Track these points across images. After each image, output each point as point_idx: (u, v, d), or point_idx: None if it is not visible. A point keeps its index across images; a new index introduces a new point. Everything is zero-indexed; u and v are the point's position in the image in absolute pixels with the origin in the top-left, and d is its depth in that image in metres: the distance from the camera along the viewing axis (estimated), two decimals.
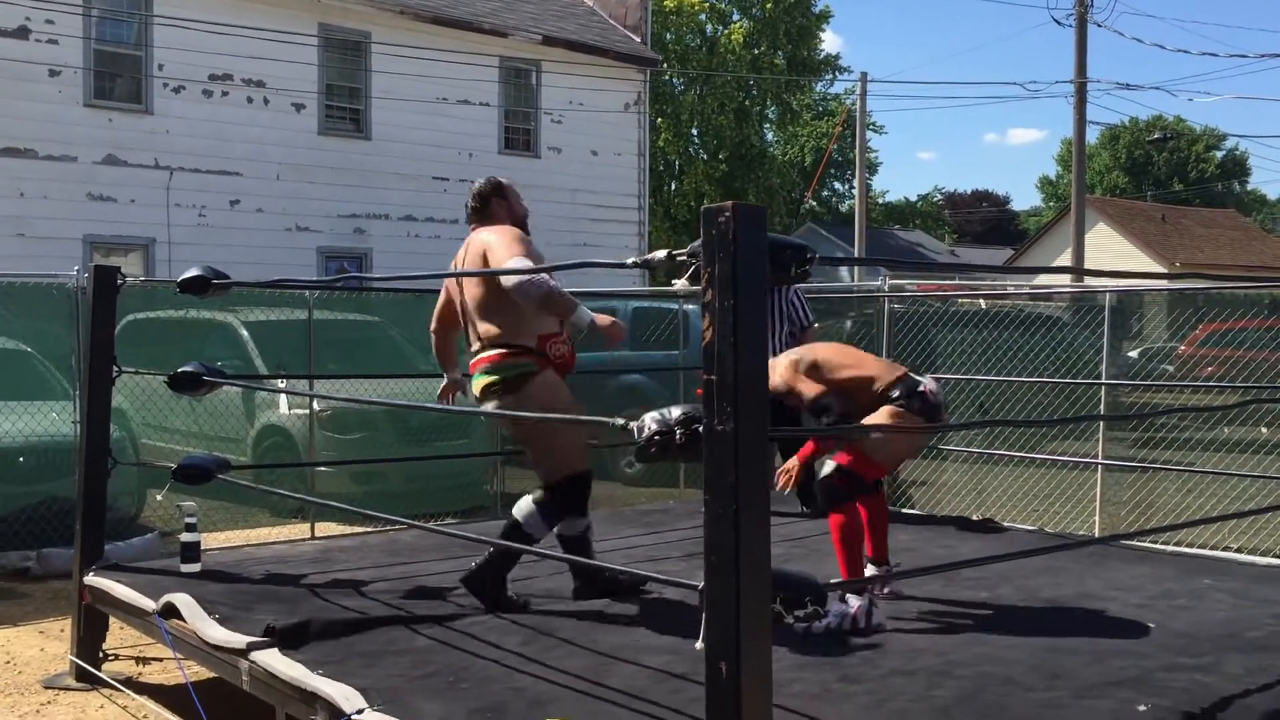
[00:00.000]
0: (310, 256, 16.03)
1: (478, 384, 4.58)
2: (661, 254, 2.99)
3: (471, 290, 4.62)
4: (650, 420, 2.88)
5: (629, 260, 3.09)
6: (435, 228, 17.21)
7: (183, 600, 4.38)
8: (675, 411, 2.87)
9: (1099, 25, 19.87)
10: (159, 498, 6.12)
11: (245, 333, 9.52)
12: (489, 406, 4.57)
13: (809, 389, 4.58)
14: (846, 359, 4.77)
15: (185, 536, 5.00)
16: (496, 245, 4.54)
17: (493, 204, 4.84)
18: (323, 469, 8.37)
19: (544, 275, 4.37)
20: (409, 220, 16.97)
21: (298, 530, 8.10)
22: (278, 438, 8.95)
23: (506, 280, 4.34)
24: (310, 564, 5.20)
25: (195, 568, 4.97)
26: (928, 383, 4.67)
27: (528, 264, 4.38)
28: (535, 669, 3.78)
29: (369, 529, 6.99)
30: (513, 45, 17.79)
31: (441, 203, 17.22)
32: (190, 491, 5.29)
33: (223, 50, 14.84)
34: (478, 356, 4.60)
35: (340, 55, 16.38)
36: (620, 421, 2.98)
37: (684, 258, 2.81)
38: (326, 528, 8.06)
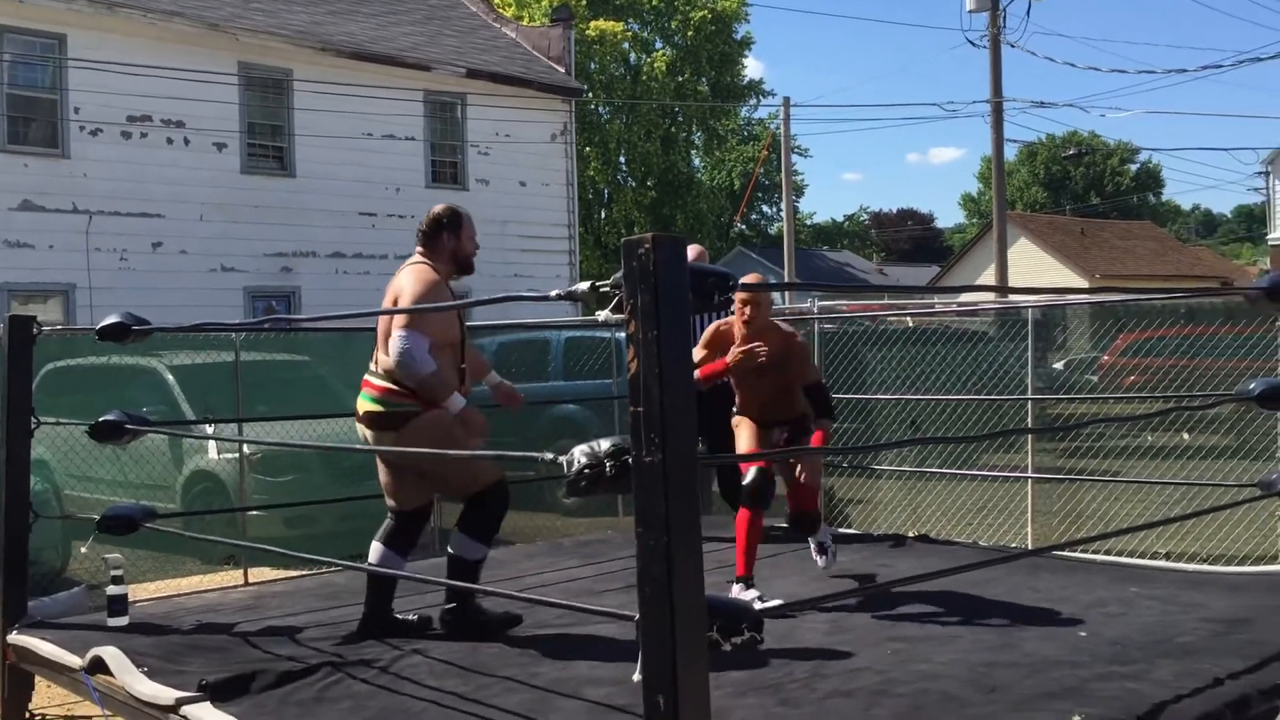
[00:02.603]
0: (237, 297, 15.81)
1: (361, 405, 4.73)
2: (584, 285, 2.99)
3: (382, 322, 4.74)
4: (579, 453, 2.88)
5: (552, 293, 3.09)
6: (364, 264, 17.07)
7: (110, 654, 4.27)
8: (604, 444, 2.86)
9: (1012, 46, 20.34)
10: (83, 550, 5.98)
11: (170, 377, 9.34)
12: (368, 434, 4.72)
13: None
14: None
15: (111, 589, 4.88)
16: (407, 290, 4.64)
17: (442, 236, 4.91)
18: (254, 513, 8.23)
19: (426, 357, 4.53)
20: (337, 257, 16.82)
21: (230, 577, 7.95)
22: (207, 483, 8.78)
23: (391, 349, 4.53)
24: (242, 612, 5.10)
25: (123, 621, 4.85)
26: None
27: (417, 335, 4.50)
28: (474, 708, 3.73)
29: (303, 572, 6.87)
30: (437, 79, 17.77)
31: (370, 238, 17.10)
32: (117, 542, 5.17)
33: (141, 91, 14.63)
34: (369, 379, 4.73)
35: (262, 93, 16.24)
36: (549, 456, 2.97)
37: (607, 289, 2.81)
38: (260, 573, 7.91)
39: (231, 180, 15.82)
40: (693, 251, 5.09)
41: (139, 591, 7.74)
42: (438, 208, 5.01)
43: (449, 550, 4.76)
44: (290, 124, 16.37)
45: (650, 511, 2.43)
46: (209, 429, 8.02)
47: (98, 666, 4.29)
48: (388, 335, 4.62)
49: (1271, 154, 30.95)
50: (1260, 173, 32.28)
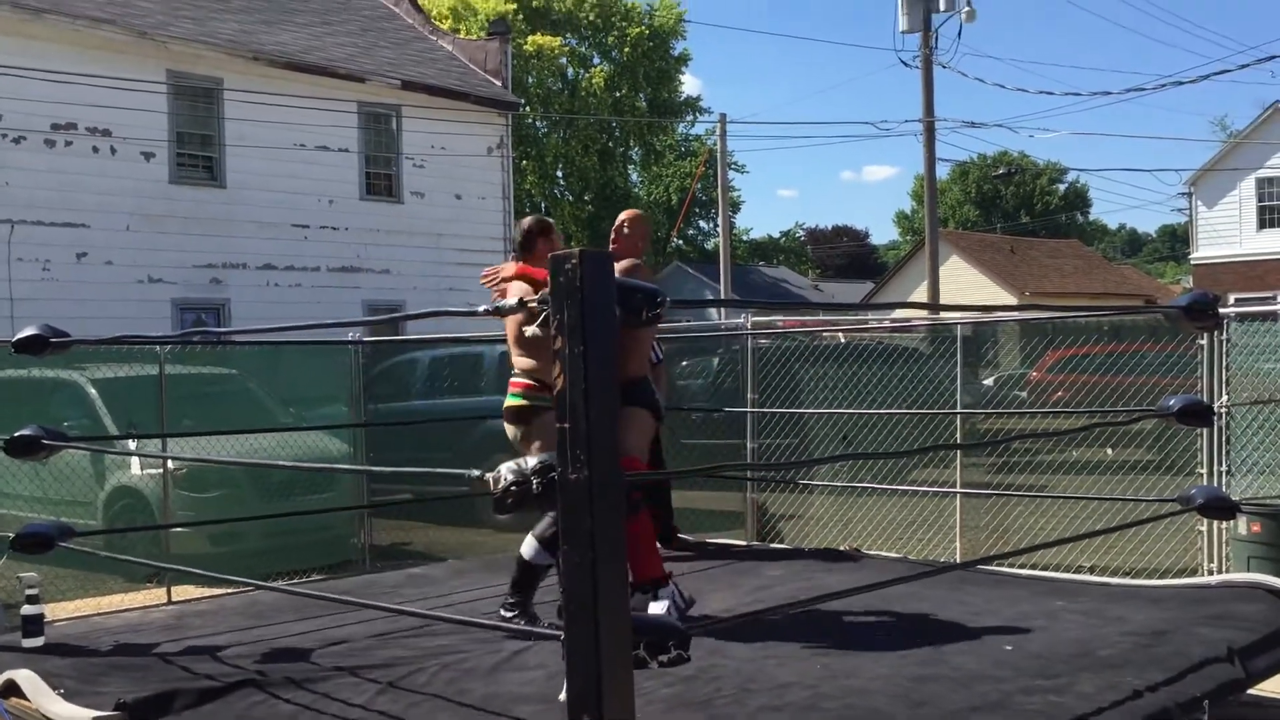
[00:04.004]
0: (165, 309, 15.53)
1: (507, 403, 4.94)
2: (513, 301, 2.98)
3: (509, 326, 5.04)
4: (506, 471, 2.85)
5: (480, 308, 3.06)
6: (297, 276, 16.88)
7: (24, 676, 4.14)
8: (531, 461, 2.84)
9: (944, 66, 20.64)
10: None
11: (93, 390, 9.15)
12: (510, 429, 4.89)
13: None
14: None
15: (26, 609, 4.74)
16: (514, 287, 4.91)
17: (538, 242, 5.18)
18: (179, 529, 8.08)
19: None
20: (268, 269, 16.60)
21: (153, 595, 7.79)
22: (130, 499, 8.60)
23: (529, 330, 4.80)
24: (163, 631, 4.99)
25: (38, 642, 4.71)
26: None
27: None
28: None
29: (228, 590, 6.74)
30: (371, 90, 17.63)
31: (303, 250, 16.91)
32: (36, 560, 5.04)
33: (66, 99, 14.35)
34: (514, 379, 4.97)
35: (191, 102, 15.99)
36: (476, 473, 2.94)
37: (534, 304, 2.80)
38: (184, 590, 7.76)
39: (160, 190, 15.55)
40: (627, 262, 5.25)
41: (59, 610, 7.56)
42: (527, 219, 5.39)
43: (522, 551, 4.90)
44: (221, 134, 16.14)
45: (575, 529, 2.41)
46: (131, 444, 7.86)
47: (10, 689, 4.16)
48: (517, 338, 4.93)
49: (1193, 175, 31.74)
50: (1183, 193, 33.09)
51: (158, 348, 8.25)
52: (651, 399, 5.11)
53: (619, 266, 5.14)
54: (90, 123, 14.77)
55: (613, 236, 5.61)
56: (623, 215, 5.71)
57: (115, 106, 14.71)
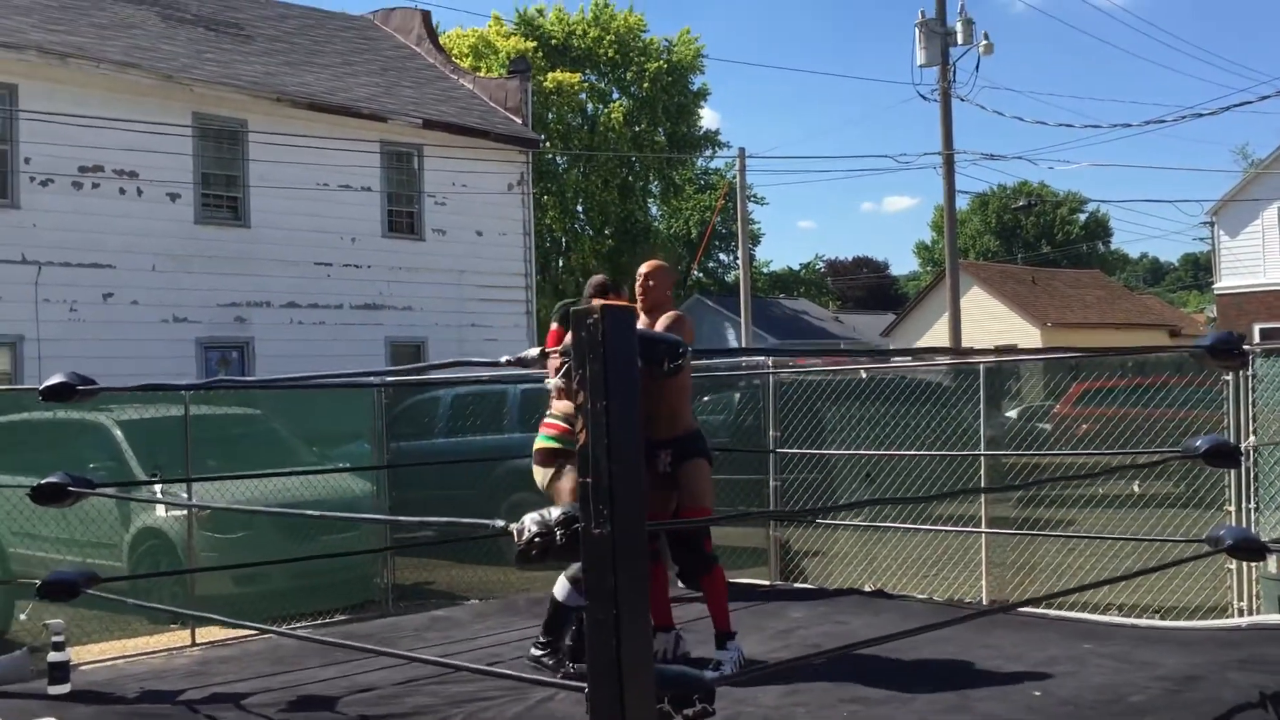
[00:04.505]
0: (189, 348, 15.64)
1: (538, 444, 5.23)
2: (535, 351, 2.99)
3: (552, 367, 5.21)
4: (530, 522, 2.84)
5: (503, 359, 3.07)
6: (320, 314, 16.97)
7: None
8: (555, 512, 2.83)
9: (962, 100, 20.67)
10: (22, 617, 5.82)
11: (119, 432, 9.19)
12: (538, 471, 5.17)
13: None
14: None
15: (53, 656, 4.76)
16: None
17: (609, 298, 5.40)
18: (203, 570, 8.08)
19: None
20: (292, 307, 16.70)
21: (178, 637, 7.77)
22: (155, 540, 8.62)
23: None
24: (187, 678, 4.99)
25: (64, 689, 4.73)
26: None
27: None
28: None
29: (252, 633, 6.74)
30: (393, 129, 17.78)
31: (325, 288, 17.02)
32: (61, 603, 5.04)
33: (92, 142, 14.53)
34: (548, 421, 5.25)
35: (216, 143, 16.17)
36: (500, 523, 2.94)
37: (557, 355, 2.80)
38: (208, 632, 7.75)
39: (185, 230, 15.70)
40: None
41: (84, 654, 7.56)
42: (597, 277, 5.74)
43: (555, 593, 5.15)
44: (245, 174, 16.30)
45: (598, 585, 2.40)
46: (157, 488, 7.88)
47: None
48: (557, 387, 5.14)
49: (1215, 205, 31.60)
50: (1205, 223, 32.94)
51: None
52: (708, 448, 5.31)
53: (662, 322, 5.18)
54: (117, 165, 14.94)
55: (639, 291, 5.52)
56: (644, 269, 5.58)
57: (141, 150, 14.89)
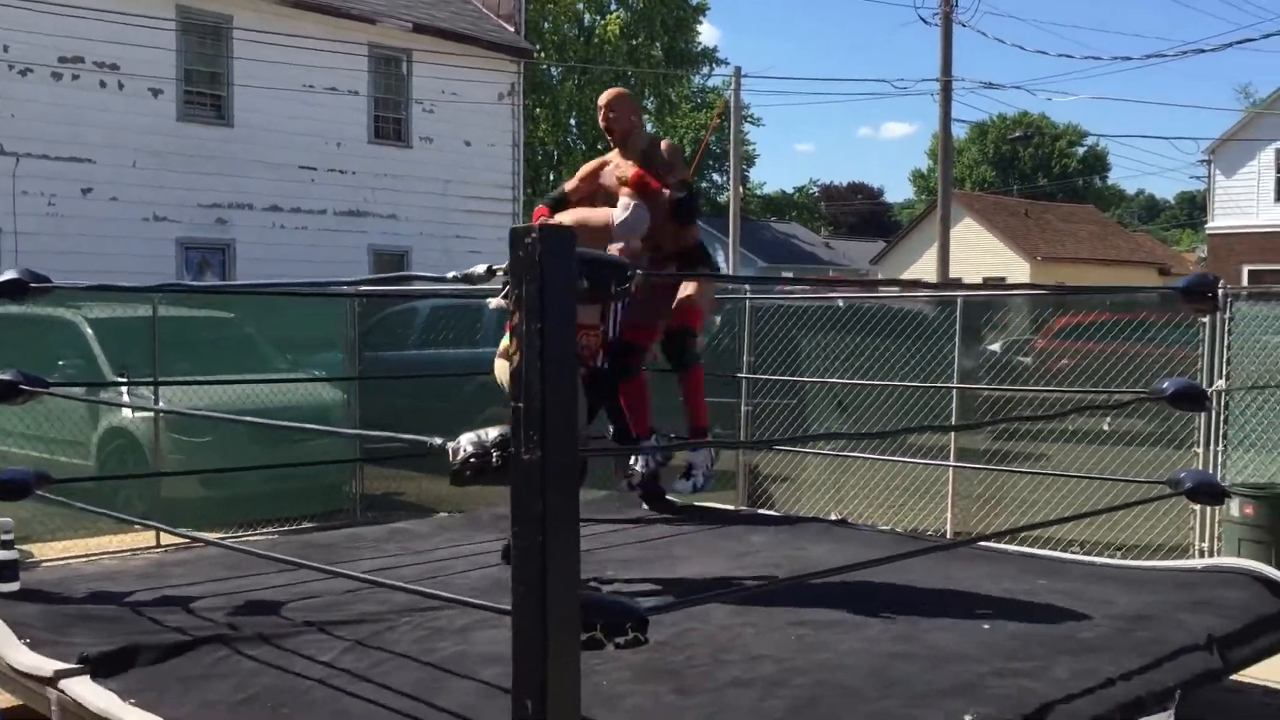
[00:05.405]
0: (169, 247, 15.51)
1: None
2: (482, 268, 2.91)
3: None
4: (466, 442, 2.80)
5: (449, 274, 3.00)
6: (302, 218, 16.81)
7: None
8: (492, 433, 2.79)
9: (963, 25, 20.34)
10: None
11: (89, 330, 9.11)
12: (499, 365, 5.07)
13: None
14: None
15: (0, 554, 4.73)
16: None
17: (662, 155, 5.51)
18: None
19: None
20: (274, 210, 16.52)
21: (143, 538, 7.79)
22: (122, 440, 8.59)
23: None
24: (139, 580, 4.98)
25: (13, 587, 4.71)
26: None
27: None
28: (364, 689, 3.66)
29: (220, 535, 6.75)
30: (382, 32, 17.44)
31: (309, 193, 16.83)
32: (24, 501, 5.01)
33: (73, 32, 14.23)
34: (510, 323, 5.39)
35: (200, 39, 15.85)
36: (438, 441, 2.89)
37: (501, 272, 2.73)
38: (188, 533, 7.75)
39: (167, 127, 15.46)
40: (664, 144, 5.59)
41: (46, 550, 7.59)
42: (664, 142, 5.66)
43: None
44: (230, 72, 16.01)
45: (526, 511, 2.36)
46: (123, 389, 7.83)
47: None
48: None
49: (1213, 144, 31.35)
50: (1202, 161, 32.72)
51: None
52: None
53: (665, 146, 5.29)
54: (98, 57, 14.65)
55: (603, 126, 5.45)
56: (602, 100, 5.51)
57: (123, 42, 14.59)
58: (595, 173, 5.49)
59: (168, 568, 5.36)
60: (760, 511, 7.33)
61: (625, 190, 4.97)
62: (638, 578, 5.16)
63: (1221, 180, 31.15)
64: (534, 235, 2.37)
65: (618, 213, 4.91)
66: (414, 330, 10.90)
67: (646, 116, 37.31)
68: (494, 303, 4.47)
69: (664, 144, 5.59)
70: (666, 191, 5.20)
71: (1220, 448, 7.21)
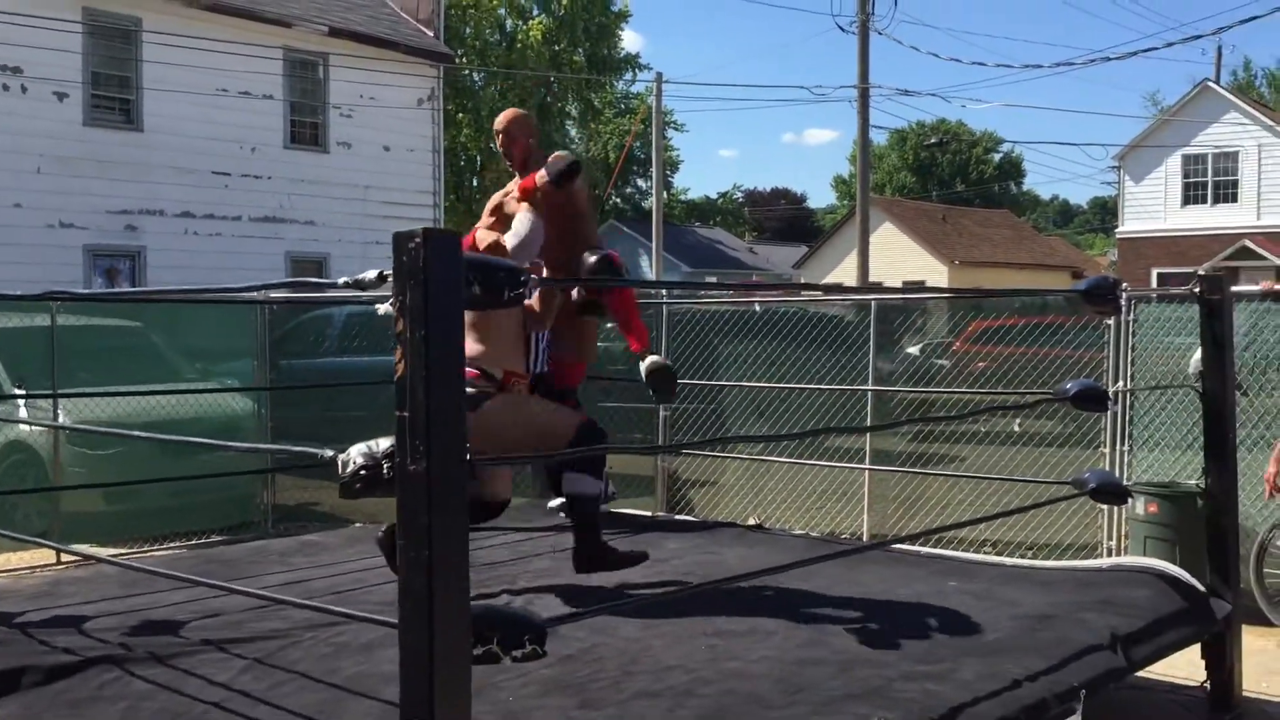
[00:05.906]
0: (76, 255, 15.10)
1: None
2: (373, 273, 2.84)
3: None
4: (356, 453, 2.72)
5: (340, 280, 2.92)
6: (216, 225, 16.48)
7: None
8: (383, 443, 2.72)
9: (880, 33, 20.58)
10: None
11: None
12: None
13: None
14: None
15: None
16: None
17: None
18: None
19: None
20: (186, 217, 16.17)
21: (44, 555, 7.54)
22: (20, 454, 8.32)
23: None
24: (31, 600, 4.80)
25: None
26: None
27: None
28: (261, 711, 3.55)
29: (121, 550, 6.55)
30: (297, 36, 17.18)
31: (223, 199, 16.50)
32: None
33: None
34: None
35: (108, 42, 15.47)
36: (328, 454, 2.81)
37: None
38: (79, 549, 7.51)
39: (73, 132, 15.06)
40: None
41: None
42: (567, 156, 5.29)
43: (564, 492, 4.96)
44: (139, 76, 15.65)
45: (413, 523, 2.29)
46: (20, 402, 7.58)
47: None
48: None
49: (1122, 150, 32.10)
50: (1113, 167, 33.50)
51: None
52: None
53: (542, 180, 5.08)
54: (0, 60, 14.23)
55: (501, 151, 5.36)
56: (496, 125, 5.40)
57: (26, 45, 14.18)
58: (499, 205, 5.39)
59: (62, 586, 5.18)
60: (677, 517, 7.30)
61: (522, 206, 4.90)
62: (549, 586, 5.10)
63: (1131, 186, 31.90)
64: (418, 239, 2.31)
65: (511, 230, 4.86)
66: (328, 337, 10.71)
67: (570, 123, 37.27)
68: (382, 309, 4.36)
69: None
70: (543, 175, 5.08)
71: (1126, 447, 7.34)
